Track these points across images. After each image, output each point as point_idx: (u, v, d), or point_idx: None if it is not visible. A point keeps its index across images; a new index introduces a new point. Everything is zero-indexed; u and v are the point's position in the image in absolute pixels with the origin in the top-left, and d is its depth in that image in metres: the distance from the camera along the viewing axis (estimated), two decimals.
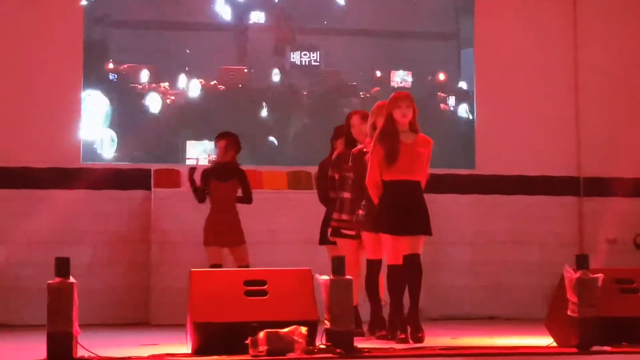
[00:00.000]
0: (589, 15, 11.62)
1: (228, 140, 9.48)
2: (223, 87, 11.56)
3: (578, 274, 5.94)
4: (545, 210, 11.31)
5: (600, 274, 5.97)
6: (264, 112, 11.73)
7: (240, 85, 11.67)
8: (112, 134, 11.14)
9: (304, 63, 11.84)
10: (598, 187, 11.29)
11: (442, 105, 12.12)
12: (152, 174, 10.59)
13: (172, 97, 11.41)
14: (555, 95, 11.57)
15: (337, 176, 7.93)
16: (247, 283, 6.05)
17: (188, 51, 11.59)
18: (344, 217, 7.76)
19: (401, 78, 11.94)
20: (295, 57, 11.83)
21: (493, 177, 11.39)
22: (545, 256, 10.95)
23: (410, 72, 11.96)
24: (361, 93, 11.83)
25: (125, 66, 11.40)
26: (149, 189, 10.55)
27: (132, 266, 10.39)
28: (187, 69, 11.45)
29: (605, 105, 11.44)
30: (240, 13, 11.72)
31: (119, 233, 10.44)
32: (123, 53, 11.46)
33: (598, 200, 11.29)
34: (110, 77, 11.36)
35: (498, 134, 11.46)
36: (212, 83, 11.52)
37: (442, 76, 12.13)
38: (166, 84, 11.39)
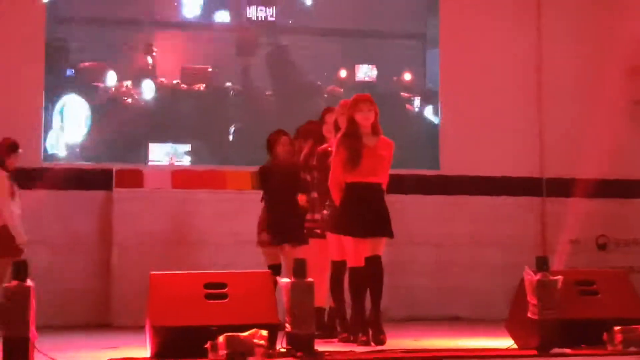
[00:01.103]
0: (552, 18, 11.69)
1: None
2: (185, 87, 11.45)
3: (538, 276, 5.94)
4: (509, 211, 11.36)
5: (560, 276, 5.98)
6: (227, 113, 11.65)
7: (203, 86, 11.56)
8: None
9: (260, 18, 11.73)
10: (560, 188, 11.34)
11: (407, 106, 12.12)
12: (113, 174, 10.49)
13: (134, 98, 11.29)
14: (518, 97, 11.62)
15: (309, 178, 7.91)
16: (207, 286, 5.99)
17: (154, 50, 11.45)
18: (317, 216, 7.76)
19: (365, 73, 11.90)
20: (251, 12, 11.72)
21: (457, 178, 11.41)
22: (508, 257, 10.97)
23: (375, 66, 11.90)
24: (325, 94, 11.78)
25: (86, 64, 11.26)
26: (111, 189, 10.45)
27: (93, 268, 10.31)
28: (149, 67, 11.34)
29: (567, 107, 11.50)
30: (204, 12, 11.64)
31: (80, 234, 10.35)
32: (84, 52, 11.35)
33: (561, 201, 11.32)
34: (69, 73, 11.21)
35: (462, 135, 11.48)
36: (174, 82, 11.43)
37: (407, 76, 12.12)
38: (128, 83, 11.28)
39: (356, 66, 11.90)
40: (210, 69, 11.63)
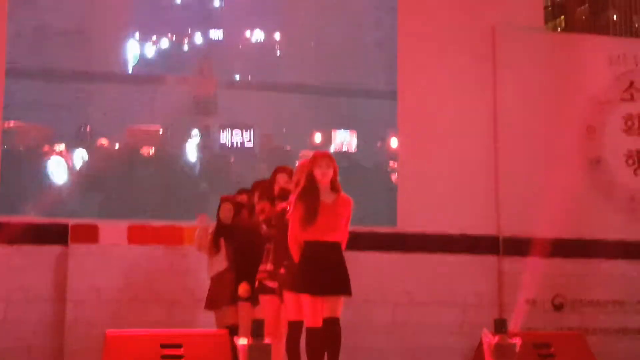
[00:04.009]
0: (508, 78, 11.78)
1: None
2: (128, 150, 10.91)
3: (496, 339, 5.94)
4: (466, 270, 11.33)
5: (518, 339, 5.98)
6: (181, 173, 11.32)
7: (152, 150, 11.20)
8: None
9: (235, 145, 11.15)
10: (517, 246, 11.35)
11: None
12: (69, 228, 10.37)
13: (71, 162, 10.93)
14: (475, 155, 11.66)
15: (264, 229, 7.89)
16: (164, 346, 5.93)
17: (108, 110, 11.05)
18: (269, 267, 7.71)
19: (341, 139, 11.69)
20: (225, 137, 11.14)
21: (414, 235, 11.39)
22: (465, 316, 10.96)
23: (355, 132, 11.63)
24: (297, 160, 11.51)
25: (19, 124, 10.82)
26: (66, 244, 10.32)
27: (46, 325, 10.12)
28: (88, 129, 10.89)
29: (524, 166, 11.55)
30: (155, 63, 11.29)
31: (33, 290, 10.17)
32: (16, 107, 10.80)
33: (517, 260, 11.32)
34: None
35: (420, 191, 11.47)
36: (116, 147, 10.96)
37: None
38: (62, 147, 10.85)
39: (333, 131, 11.64)
40: (160, 131, 11.32)
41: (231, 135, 11.45)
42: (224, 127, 11.39)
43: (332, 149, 11.43)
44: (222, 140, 11.45)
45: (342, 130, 11.61)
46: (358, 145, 11.62)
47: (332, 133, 11.56)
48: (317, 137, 11.61)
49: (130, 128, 10.96)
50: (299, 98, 11.70)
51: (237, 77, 11.28)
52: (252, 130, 11.60)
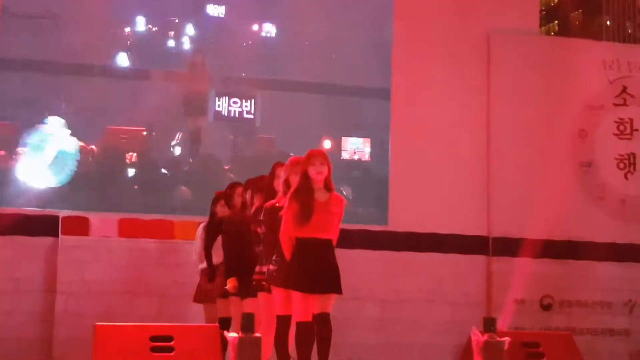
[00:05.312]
0: (501, 81, 11.83)
1: None
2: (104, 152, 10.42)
3: (485, 337, 5.98)
4: (455, 269, 11.37)
5: (506, 338, 6.01)
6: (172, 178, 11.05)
7: (134, 155, 10.77)
8: None
9: (233, 114, 10.77)
10: (507, 247, 11.40)
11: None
12: (60, 220, 10.36)
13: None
14: (467, 155, 11.71)
15: (259, 230, 7.88)
16: (154, 339, 5.94)
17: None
18: (264, 268, 7.72)
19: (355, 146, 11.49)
20: (222, 105, 10.65)
21: (404, 234, 11.42)
22: (454, 315, 11.00)
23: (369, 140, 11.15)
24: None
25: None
26: (57, 235, 10.31)
27: (36, 316, 10.12)
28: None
29: (515, 167, 11.61)
30: (144, 56, 10.97)
31: (23, 281, 10.17)
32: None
33: (506, 260, 11.38)
34: None
35: (411, 191, 11.50)
36: (90, 147, 10.67)
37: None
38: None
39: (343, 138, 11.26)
40: (145, 132, 10.90)
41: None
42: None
43: (343, 156, 11.16)
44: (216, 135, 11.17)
45: (353, 137, 11.33)
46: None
47: (342, 139, 11.22)
48: (327, 143, 11.44)
49: (111, 128, 10.54)
50: (294, 96, 11.60)
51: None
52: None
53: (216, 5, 10.66)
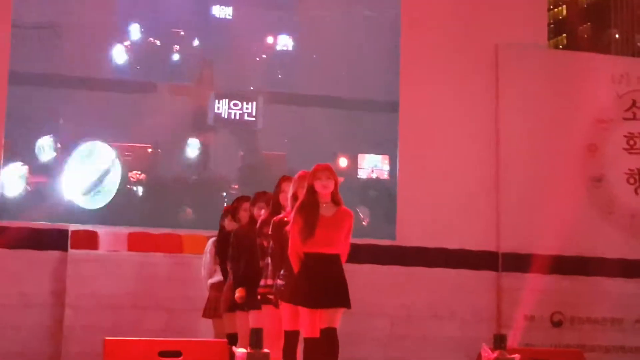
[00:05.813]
0: (510, 95, 11.81)
1: None
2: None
3: (495, 354, 5.94)
4: (464, 284, 11.33)
5: (517, 355, 5.98)
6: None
7: (138, 174, 10.89)
8: None
9: (233, 116, 10.55)
10: (517, 263, 11.36)
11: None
12: (69, 234, 10.37)
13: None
14: (476, 170, 11.68)
15: (265, 243, 7.87)
16: (162, 354, 5.92)
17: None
18: (269, 282, 7.70)
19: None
20: (222, 107, 10.45)
21: (413, 249, 11.39)
22: (463, 331, 10.96)
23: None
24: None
25: None
26: (66, 249, 10.31)
27: (45, 331, 10.11)
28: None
29: (525, 182, 11.57)
30: (148, 68, 10.82)
31: (32, 295, 10.16)
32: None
33: (517, 276, 11.33)
34: None
35: (420, 206, 11.48)
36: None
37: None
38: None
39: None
40: (150, 149, 10.97)
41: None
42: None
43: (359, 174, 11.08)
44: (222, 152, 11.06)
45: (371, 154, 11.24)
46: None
47: (359, 156, 11.12)
48: (343, 161, 11.41)
49: (120, 145, 10.50)
50: (305, 110, 11.56)
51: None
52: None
53: (225, 13, 10.53)
